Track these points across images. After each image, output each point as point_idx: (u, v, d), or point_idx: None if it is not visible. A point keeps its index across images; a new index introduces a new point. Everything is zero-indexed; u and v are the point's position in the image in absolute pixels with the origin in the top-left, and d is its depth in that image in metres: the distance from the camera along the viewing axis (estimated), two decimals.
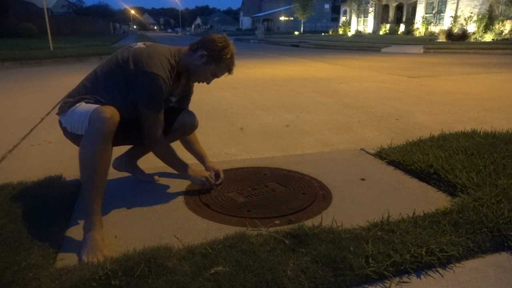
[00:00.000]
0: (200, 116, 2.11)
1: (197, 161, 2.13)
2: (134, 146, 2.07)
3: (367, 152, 2.58)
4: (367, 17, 32.69)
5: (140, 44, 1.71)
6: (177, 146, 2.00)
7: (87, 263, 1.33)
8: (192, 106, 2.07)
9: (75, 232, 1.56)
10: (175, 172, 2.23)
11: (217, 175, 2.02)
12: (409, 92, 5.14)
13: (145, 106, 1.66)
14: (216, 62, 1.76)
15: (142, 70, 1.60)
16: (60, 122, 1.70)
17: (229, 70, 1.83)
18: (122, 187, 2.02)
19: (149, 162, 2.44)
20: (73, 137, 1.65)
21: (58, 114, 1.70)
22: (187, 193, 1.94)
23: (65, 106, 1.65)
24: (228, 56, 1.77)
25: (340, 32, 34.32)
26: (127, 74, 1.62)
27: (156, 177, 2.12)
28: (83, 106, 1.60)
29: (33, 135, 3.14)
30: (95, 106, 1.56)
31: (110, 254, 1.37)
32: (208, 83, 1.87)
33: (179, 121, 1.95)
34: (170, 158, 1.87)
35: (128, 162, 2.10)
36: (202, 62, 1.76)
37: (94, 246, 1.40)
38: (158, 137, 1.76)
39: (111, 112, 1.50)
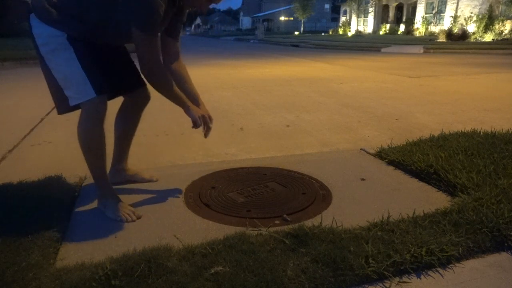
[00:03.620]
0: None
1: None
2: (115, 146, 2.02)
3: (367, 152, 2.58)
4: (367, 17, 32.69)
5: None
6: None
7: (126, 220, 1.61)
8: None
9: (75, 232, 1.56)
10: (175, 172, 2.23)
11: (203, 119, 1.84)
12: (409, 92, 5.14)
13: (138, 27, 1.49)
14: None
15: None
16: (30, 21, 1.56)
17: None
18: (122, 187, 2.02)
19: (149, 162, 2.45)
20: (48, 74, 1.64)
21: (30, 12, 1.55)
22: (187, 193, 1.94)
23: (44, 12, 1.52)
24: None
25: (340, 32, 34.31)
26: None
27: (155, 177, 2.12)
28: (71, 63, 1.53)
29: (33, 135, 3.14)
30: (87, 81, 1.54)
31: (111, 254, 1.37)
32: (204, 10, 1.68)
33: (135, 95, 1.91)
34: (170, 91, 1.67)
35: (121, 169, 2.04)
36: None
37: (122, 206, 1.64)
38: (155, 66, 1.59)
39: (104, 102, 1.61)
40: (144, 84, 1.89)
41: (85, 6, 1.54)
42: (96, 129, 1.61)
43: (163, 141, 2.96)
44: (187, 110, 1.73)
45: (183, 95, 1.73)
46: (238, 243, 1.37)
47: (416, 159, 2.21)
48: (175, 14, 1.70)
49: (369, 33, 30.75)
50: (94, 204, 1.78)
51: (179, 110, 1.74)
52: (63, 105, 1.67)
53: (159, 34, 1.60)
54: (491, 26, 18.74)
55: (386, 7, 30.93)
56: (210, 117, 1.83)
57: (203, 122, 1.75)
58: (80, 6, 1.54)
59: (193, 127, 1.75)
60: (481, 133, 2.76)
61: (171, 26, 1.79)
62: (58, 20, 1.53)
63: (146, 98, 1.95)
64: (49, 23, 1.53)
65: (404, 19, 28.14)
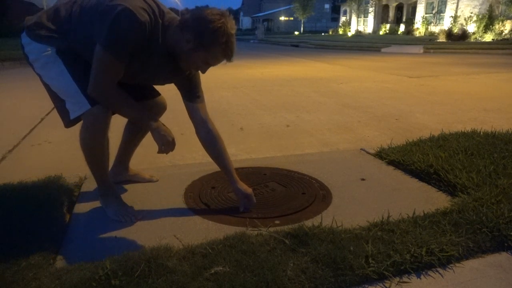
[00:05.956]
0: None
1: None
2: (121, 148, 2.02)
3: (367, 152, 2.58)
4: (367, 17, 32.68)
5: None
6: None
7: (124, 222, 1.61)
8: None
9: (75, 232, 1.56)
10: (175, 172, 2.23)
11: (247, 199, 1.73)
12: (409, 92, 5.14)
13: (102, 44, 1.38)
14: (206, 48, 1.43)
15: (115, 4, 1.36)
16: (21, 40, 1.57)
17: (227, 57, 1.48)
18: (122, 187, 2.02)
19: (149, 162, 2.45)
20: (49, 89, 1.61)
21: (23, 29, 1.56)
22: (187, 193, 1.94)
23: (34, 30, 1.52)
24: (223, 40, 1.41)
25: (340, 32, 34.31)
26: (101, 10, 1.41)
27: (155, 177, 2.12)
28: (63, 76, 1.52)
29: (33, 135, 3.14)
30: (80, 93, 1.50)
31: (111, 254, 1.37)
32: (203, 72, 1.58)
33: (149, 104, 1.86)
34: (125, 107, 1.55)
35: (122, 169, 2.05)
36: (188, 48, 1.44)
37: (123, 207, 1.64)
38: (103, 86, 1.45)
39: (104, 111, 1.53)
40: (159, 94, 1.92)
41: (72, 25, 1.52)
42: (97, 138, 1.58)
43: None
44: (151, 131, 1.55)
45: (140, 108, 1.61)
46: (238, 243, 1.37)
47: (416, 159, 2.21)
48: (177, 73, 1.65)
49: (369, 33, 30.74)
50: (94, 204, 1.78)
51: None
52: (67, 119, 1.63)
53: (122, 62, 1.44)
54: (491, 26, 18.73)
55: (386, 7, 30.93)
56: (248, 197, 1.72)
57: (165, 147, 1.56)
58: (67, 24, 1.52)
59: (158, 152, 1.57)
60: (481, 133, 2.76)
61: (180, 86, 1.72)
62: (46, 36, 1.53)
63: (162, 107, 1.94)
64: (38, 40, 1.54)
65: (404, 19, 28.13)
